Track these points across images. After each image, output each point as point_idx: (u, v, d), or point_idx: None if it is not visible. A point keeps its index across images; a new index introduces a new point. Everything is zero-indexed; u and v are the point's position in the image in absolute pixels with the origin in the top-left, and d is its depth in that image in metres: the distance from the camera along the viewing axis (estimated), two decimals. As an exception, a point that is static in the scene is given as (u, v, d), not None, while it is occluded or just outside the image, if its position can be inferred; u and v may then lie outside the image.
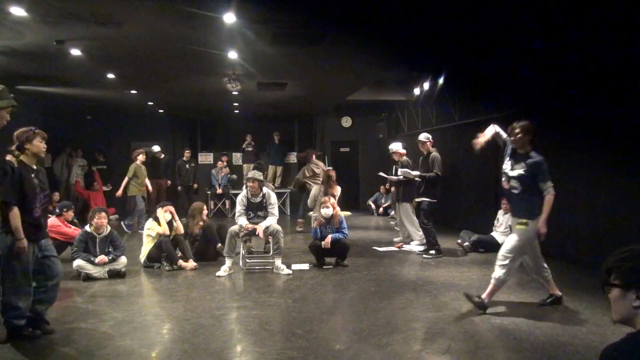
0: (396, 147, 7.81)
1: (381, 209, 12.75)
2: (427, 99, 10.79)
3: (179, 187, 12.19)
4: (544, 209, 4.33)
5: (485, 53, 7.48)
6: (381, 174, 8.41)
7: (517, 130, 4.43)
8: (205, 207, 7.36)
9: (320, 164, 10.28)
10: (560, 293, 4.68)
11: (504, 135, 4.69)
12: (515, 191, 4.46)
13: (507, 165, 4.52)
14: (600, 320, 4.19)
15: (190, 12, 5.30)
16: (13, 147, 3.85)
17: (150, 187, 10.37)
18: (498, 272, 4.42)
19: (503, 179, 4.61)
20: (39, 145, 3.90)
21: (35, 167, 3.94)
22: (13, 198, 3.70)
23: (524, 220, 4.37)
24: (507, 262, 4.39)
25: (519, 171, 4.41)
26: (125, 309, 4.72)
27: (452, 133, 9.50)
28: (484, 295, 4.45)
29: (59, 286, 4.15)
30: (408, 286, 5.33)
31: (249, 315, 4.48)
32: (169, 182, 11.91)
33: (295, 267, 6.42)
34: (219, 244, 6.84)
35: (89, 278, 5.80)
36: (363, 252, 7.54)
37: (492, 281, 4.45)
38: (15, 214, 3.68)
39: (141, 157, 10.18)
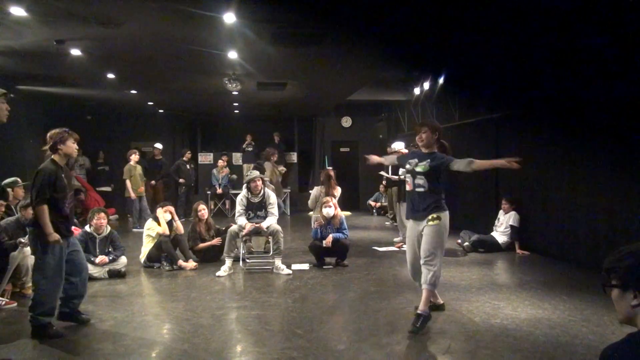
0: (398, 146, 7.81)
1: (378, 204, 12.79)
2: (427, 99, 10.81)
3: (183, 188, 12.09)
4: (486, 162, 4.22)
5: (485, 53, 7.48)
6: (382, 173, 8.42)
7: (424, 129, 4.30)
8: (200, 205, 7.13)
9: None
10: (441, 301, 4.51)
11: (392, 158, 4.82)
12: (421, 189, 4.23)
13: (410, 165, 4.33)
14: (600, 320, 4.18)
15: (190, 12, 5.31)
16: (46, 147, 4.02)
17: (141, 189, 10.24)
18: (426, 275, 4.08)
19: (407, 180, 4.40)
20: (71, 146, 4.07)
21: (63, 167, 4.09)
22: (45, 196, 3.86)
23: (435, 215, 4.14)
24: (433, 263, 4.08)
25: (424, 165, 4.21)
26: (125, 309, 4.72)
27: (452, 133, 9.49)
28: (421, 307, 4.09)
29: (87, 280, 4.38)
30: (408, 286, 5.32)
31: (249, 315, 4.48)
32: (157, 183, 11.76)
33: (295, 267, 6.42)
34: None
35: (89, 278, 5.78)
36: (363, 252, 7.54)
37: (425, 286, 4.10)
38: (43, 211, 3.84)
39: (134, 157, 10.06)
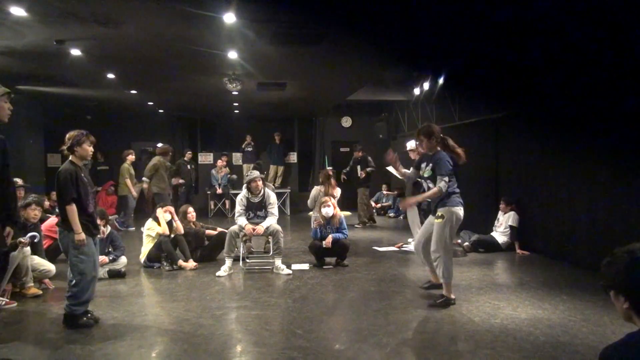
0: (411, 145, 7.71)
1: (379, 204, 12.79)
2: (427, 99, 10.81)
3: (183, 187, 12.05)
4: (424, 194, 4.71)
5: (485, 53, 7.48)
6: (390, 168, 8.41)
7: (420, 138, 4.73)
8: (189, 209, 7.29)
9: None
10: (453, 296, 4.73)
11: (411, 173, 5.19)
12: None
13: (422, 171, 4.82)
14: (600, 320, 4.19)
15: (190, 12, 5.31)
16: (64, 147, 4.13)
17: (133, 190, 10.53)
18: (439, 270, 4.66)
19: (423, 184, 4.91)
20: (87, 149, 4.19)
21: (81, 167, 4.20)
22: (72, 195, 3.99)
23: (440, 214, 4.62)
24: (439, 259, 4.63)
25: (428, 170, 4.71)
26: (125, 309, 4.72)
27: (452, 133, 9.46)
28: (444, 292, 4.70)
29: (97, 280, 4.41)
30: (408, 286, 5.33)
31: (249, 315, 4.48)
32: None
33: (295, 267, 6.42)
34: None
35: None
36: (363, 252, 7.54)
37: (442, 280, 4.69)
38: (73, 210, 3.97)
39: (130, 157, 10.52)
